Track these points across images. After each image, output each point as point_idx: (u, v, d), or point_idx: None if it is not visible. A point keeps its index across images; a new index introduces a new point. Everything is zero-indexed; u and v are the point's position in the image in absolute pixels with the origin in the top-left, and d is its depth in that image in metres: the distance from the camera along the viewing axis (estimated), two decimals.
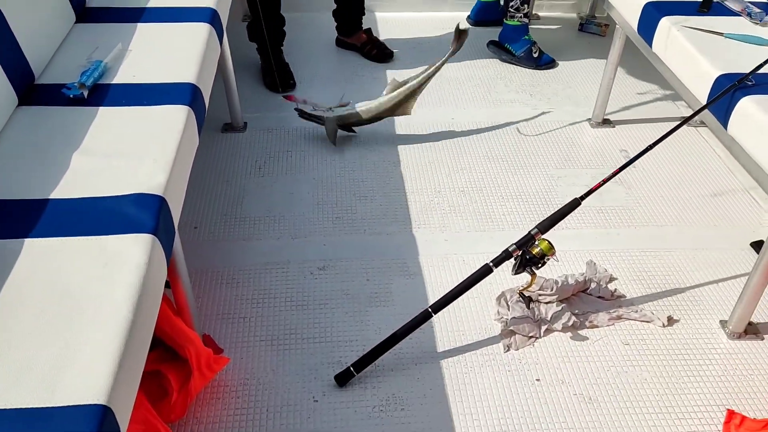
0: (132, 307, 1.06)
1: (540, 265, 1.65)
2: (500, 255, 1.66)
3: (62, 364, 0.95)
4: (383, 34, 3.24)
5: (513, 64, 3.03)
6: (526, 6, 2.90)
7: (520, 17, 2.93)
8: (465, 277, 1.67)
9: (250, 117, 2.64)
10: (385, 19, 3.40)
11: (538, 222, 1.68)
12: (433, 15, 3.42)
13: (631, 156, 1.70)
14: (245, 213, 2.19)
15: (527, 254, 1.64)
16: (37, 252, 1.15)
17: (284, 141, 2.53)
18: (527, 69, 3.01)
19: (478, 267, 1.97)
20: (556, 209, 1.70)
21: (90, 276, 1.11)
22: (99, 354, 0.96)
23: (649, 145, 1.65)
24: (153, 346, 1.47)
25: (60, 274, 1.11)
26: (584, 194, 1.67)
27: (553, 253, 1.64)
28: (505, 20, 2.99)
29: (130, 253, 1.15)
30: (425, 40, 3.24)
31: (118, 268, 1.12)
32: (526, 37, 2.98)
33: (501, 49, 3.05)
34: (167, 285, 1.49)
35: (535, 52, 2.99)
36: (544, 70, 3.01)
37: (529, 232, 1.66)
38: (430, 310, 1.67)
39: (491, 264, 1.67)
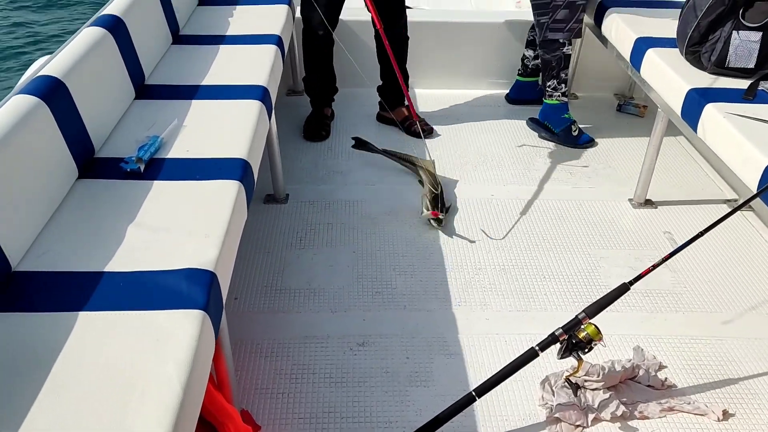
0: (182, 384, 1.05)
1: (587, 351, 1.61)
2: (546, 339, 1.62)
3: None
4: (421, 110, 3.31)
5: (552, 141, 3.06)
6: (563, 86, 2.95)
7: (558, 96, 2.98)
8: (507, 359, 1.63)
9: (292, 189, 2.69)
10: (423, 95, 3.48)
11: (580, 303, 1.66)
12: (470, 92, 3.50)
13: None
14: (285, 285, 2.19)
15: (573, 338, 1.60)
16: (90, 326, 1.17)
17: (325, 213, 2.56)
18: (566, 147, 3.03)
19: (519, 348, 1.93)
20: (600, 291, 1.67)
21: (141, 352, 1.11)
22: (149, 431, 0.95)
23: (700, 232, 1.62)
24: None
25: (112, 349, 1.12)
26: (633, 279, 1.64)
27: (601, 338, 1.60)
28: (544, 99, 3.04)
29: (182, 329, 1.15)
30: (463, 115, 3.29)
31: (170, 345, 1.12)
32: (566, 115, 3.01)
33: (540, 126, 3.09)
34: None
35: (574, 131, 3.01)
36: (583, 149, 3.03)
37: (576, 317, 1.62)
38: (474, 393, 1.63)
39: (537, 348, 1.63)
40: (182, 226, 1.44)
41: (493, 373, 1.66)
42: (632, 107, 3.35)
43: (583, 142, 3.04)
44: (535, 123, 3.12)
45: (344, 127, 3.19)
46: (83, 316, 1.18)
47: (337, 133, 3.13)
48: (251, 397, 1.78)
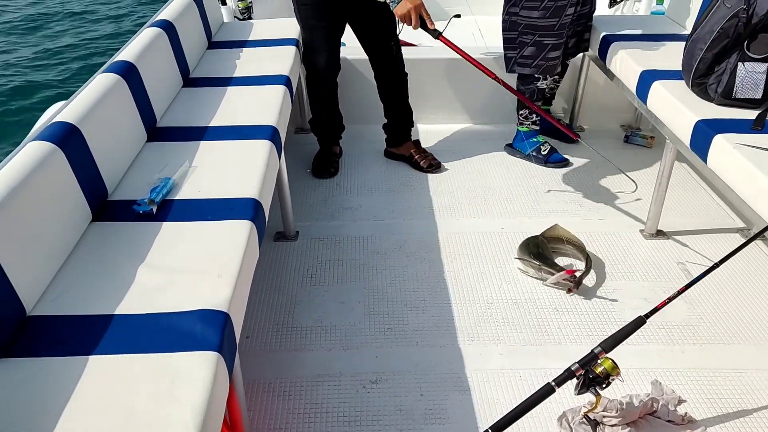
0: (198, 427, 1.04)
1: (605, 386, 1.59)
2: (563, 374, 1.60)
3: None
4: (427, 145, 3.33)
5: (526, 160, 3.20)
6: (534, 116, 3.11)
7: (529, 124, 3.14)
8: (523, 395, 1.61)
9: (302, 226, 2.70)
10: (429, 131, 3.50)
11: (594, 336, 1.65)
12: (477, 127, 3.52)
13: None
14: (297, 323, 2.18)
15: (590, 373, 1.58)
16: (103, 370, 1.17)
17: (335, 250, 2.56)
18: (575, 181, 3.04)
19: (534, 383, 1.91)
20: (615, 324, 1.66)
21: (156, 395, 1.10)
22: None
23: (716, 263, 1.61)
24: None
25: (125, 392, 1.11)
26: (649, 312, 1.62)
27: (618, 373, 1.58)
28: (517, 126, 3.19)
29: (196, 371, 1.15)
30: (470, 150, 3.31)
31: (184, 387, 1.12)
32: (535, 139, 3.18)
33: (514, 150, 3.27)
34: None
35: (544, 151, 3.16)
36: (595, 181, 3.03)
37: (592, 351, 1.60)
38: (490, 431, 1.60)
39: (553, 383, 1.60)
40: (195, 268, 1.45)
41: (509, 410, 1.63)
42: (639, 138, 3.36)
43: (554, 161, 3.16)
44: (510, 147, 3.29)
45: (352, 163, 3.22)
46: (98, 360, 1.18)
47: (345, 170, 3.15)
48: None
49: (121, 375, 1.15)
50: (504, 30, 2.93)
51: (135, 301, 1.33)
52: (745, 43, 2.15)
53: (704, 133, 2.07)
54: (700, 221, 2.72)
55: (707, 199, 2.88)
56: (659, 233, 2.62)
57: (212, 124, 2.17)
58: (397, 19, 2.61)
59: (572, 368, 1.59)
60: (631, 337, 2.06)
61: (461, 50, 2.65)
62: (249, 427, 1.69)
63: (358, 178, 3.08)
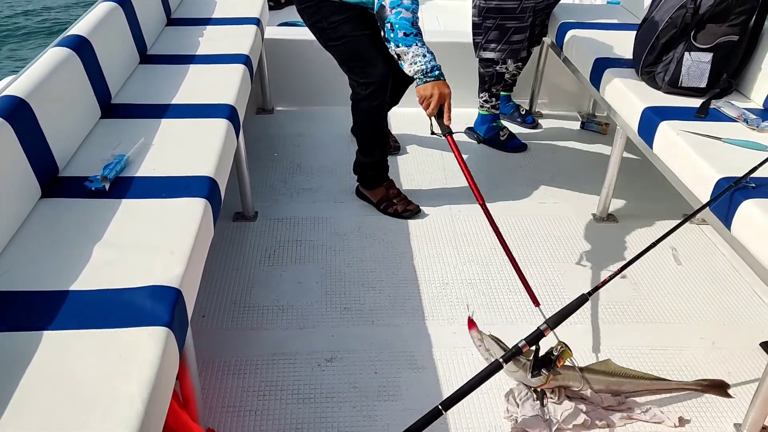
0: (144, 402, 1.06)
1: (555, 365, 1.63)
2: (510, 350, 1.66)
3: None
4: (395, 130, 3.34)
5: (486, 145, 3.26)
6: (494, 99, 3.16)
7: (489, 108, 3.19)
8: (474, 372, 1.65)
9: (261, 206, 2.70)
10: (398, 113, 3.50)
11: (545, 315, 1.68)
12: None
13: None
14: (254, 302, 2.20)
15: (546, 356, 1.62)
16: (52, 345, 1.16)
17: (294, 230, 2.57)
18: (533, 164, 3.10)
19: (486, 360, 1.96)
20: (564, 304, 1.70)
21: (104, 370, 1.11)
22: None
23: (654, 242, 1.68)
24: None
25: (74, 367, 1.12)
26: (592, 289, 1.68)
27: (570, 356, 1.63)
28: (478, 110, 3.24)
29: (145, 346, 1.16)
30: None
31: (133, 362, 1.12)
32: (495, 123, 3.23)
33: (474, 133, 3.32)
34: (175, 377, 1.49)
35: (502, 136, 3.22)
36: (551, 166, 3.10)
37: (538, 328, 1.66)
38: (440, 407, 1.64)
39: (501, 360, 1.66)
40: (147, 244, 1.45)
41: (459, 386, 1.68)
42: (595, 125, 3.45)
43: (512, 146, 3.22)
44: (469, 130, 3.34)
45: (313, 144, 3.22)
46: (45, 335, 1.18)
47: (306, 150, 3.15)
48: (218, 416, 1.77)
49: (68, 350, 1.15)
50: (473, 16, 2.96)
51: (84, 277, 1.32)
52: (692, 33, 2.23)
53: (650, 120, 2.14)
54: (649, 206, 2.81)
55: (657, 184, 2.97)
56: (610, 217, 2.70)
57: (169, 102, 2.15)
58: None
59: (519, 345, 1.65)
60: (580, 316, 2.14)
61: (461, 160, 2.22)
62: (202, 404, 1.71)
63: (319, 159, 3.09)
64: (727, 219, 1.73)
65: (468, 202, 2.80)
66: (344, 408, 1.80)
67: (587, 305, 2.25)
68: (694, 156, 1.89)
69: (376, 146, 2.64)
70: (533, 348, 1.64)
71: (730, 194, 1.70)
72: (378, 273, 2.35)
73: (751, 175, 1.73)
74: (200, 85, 2.31)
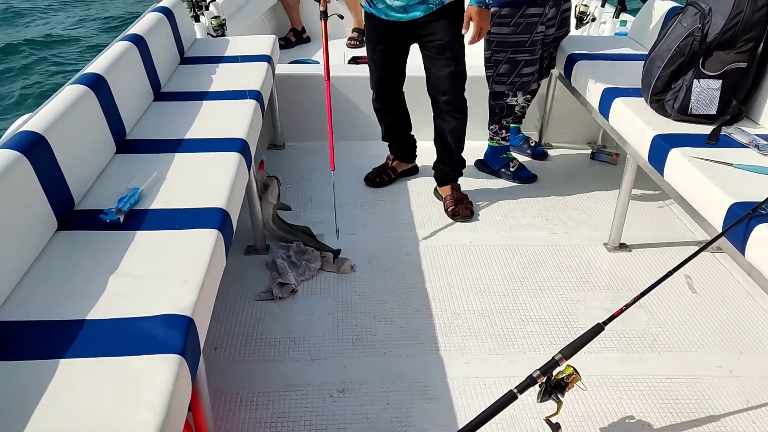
0: (158, 428, 1.05)
1: (565, 392, 1.62)
2: (524, 381, 1.63)
3: None
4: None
5: (495, 177, 3.27)
6: (504, 131, 3.18)
7: (499, 140, 3.21)
8: (487, 403, 1.63)
9: (273, 240, 2.72)
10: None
11: (558, 345, 1.67)
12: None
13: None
14: (265, 334, 2.19)
15: (552, 380, 1.62)
16: (66, 373, 1.17)
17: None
18: (544, 196, 3.11)
19: (499, 391, 1.93)
20: (577, 333, 1.69)
21: (117, 396, 1.12)
22: None
23: (670, 271, 1.67)
24: None
25: (88, 395, 1.12)
26: (607, 319, 1.67)
27: (578, 379, 1.62)
28: (488, 141, 3.26)
29: (159, 373, 1.16)
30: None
31: (146, 389, 1.13)
32: (505, 155, 3.24)
33: (484, 165, 3.33)
34: (188, 408, 1.49)
35: (513, 167, 3.23)
36: (561, 197, 3.10)
37: (553, 358, 1.64)
38: None
39: (516, 390, 1.63)
40: (160, 274, 1.46)
41: (473, 418, 1.66)
42: (605, 155, 3.46)
43: (522, 177, 3.22)
44: (480, 163, 3.35)
45: (325, 178, 3.25)
46: (60, 363, 1.19)
47: (317, 184, 3.18)
48: None
49: (82, 378, 1.16)
50: (484, 49, 2.99)
51: (98, 307, 1.34)
52: (700, 61, 2.25)
53: (661, 147, 2.15)
54: (662, 234, 2.80)
55: (669, 212, 2.96)
56: (622, 246, 2.69)
57: (182, 136, 2.20)
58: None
59: (533, 375, 1.63)
60: (593, 345, 2.10)
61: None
62: None
63: (330, 193, 3.10)
64: (741, 245, 1.72)
65: (481, 231, 2.81)
66: None
67: (602, 334, 2.23)
68: (706, 182, 1.89)
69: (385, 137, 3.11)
70: (545, 378, 1.62)
71: (745, 221, 1.69)
72: (389, 304, 2.35)
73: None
74: (212, 120, 2.35)
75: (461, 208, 2.90)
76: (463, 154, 2.99)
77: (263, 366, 2.05)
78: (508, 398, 1.63)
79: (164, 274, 1.46)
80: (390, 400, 1.92)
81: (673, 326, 2.24)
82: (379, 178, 3.17)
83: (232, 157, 2.07)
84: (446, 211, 2.93)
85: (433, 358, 2.09)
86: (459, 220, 2.88)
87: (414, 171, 3.28)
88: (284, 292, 2.37)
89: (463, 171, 3.01)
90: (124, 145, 2.12)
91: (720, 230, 1.81)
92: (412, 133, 3.16)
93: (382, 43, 2.75)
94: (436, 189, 3.09)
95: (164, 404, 1.10)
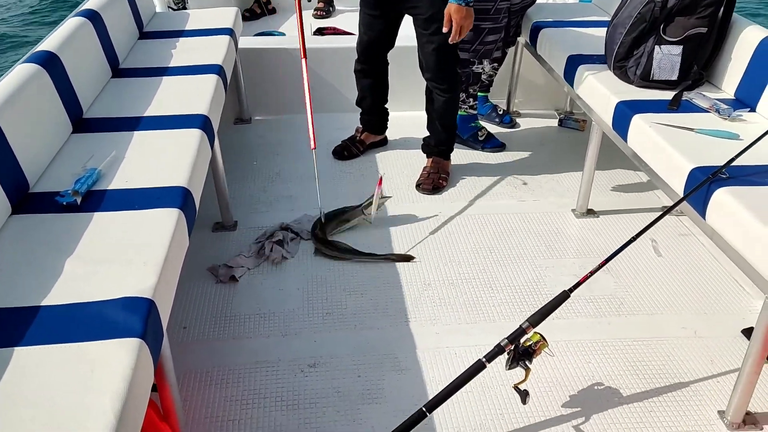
0: (117, 414, 1.04)
1: (533, 359, 1.64)
2: (493, 350, 1.65)
3: None
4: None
5: (464, 147, 3.23)
6: (471, 99, 3.16)
7: (467, 108, 3.19)
8: (458, 372, 1.65)
9: (241, 216, 2.69)
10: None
11: (528, 312, 1.68)
12: (415, 113, 3.52)
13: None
14: (235, 311, 2.18)
15: (520, 348, 1.64)
16: (21, 362, 1.15)
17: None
18: (510, 163, 3.12)
19: (469, 360, 1.95)
20: (547, 300, 1.70)
21: (75, 384, 1.10)
22: None
23: (634, 236, 1.69)
24: None
25: (45, 383, 1.10)
26: (573, 286, 1.69)
27: (545, 346, 1.64)
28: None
29: (117, 358, 1.15)
30: (411, 136, 3.33)
31: (105, 374, 1.11)
32: (473, 124, 3.23)
33: None
34: (154, 388, 1.47)
35: (481, 137, 3.22)
36: (530, 165, 3.11)
37: (520, 326, 1.65)
38: (424, 409, 1.63)
39: (484, 359, 1.65)
40: (120, 257, 1.43)
41: (443, 388, 1.67)
42: (572, 122, 3.47)
43: (491, 146, 3.22)
44: None
45: (293, 151, 3.21)
46: (15, 352, 1.16)
47: (285, 159, 3.15)
48: (201, 427, 1.75)
49: (38, 366, 1.13)
50: None
51: (54, 292, 1.31)
52: (661, 27, 2.25)
53: (624, 113, 2.15)
54: (629, 200, 2.83)
55: (635, 178, 2.99)
56: (590, 212, 2.71)
57: (141, 114, 2.14)
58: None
59: (502, 344, 1.64)
60: (561, 311, 2.12)
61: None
62: (184, 416, 1.69)
63: (298, 167, 3.08)
64: (702, 209, 1.74)
65: (450, 201, 2.81)
66: (328, 413, 1.79)
67: (569, 300, 2.26)
68: (667, 147, 1.91)
69: (359, 102, 3.08)
70: (513, 346, 1.64)
71: (706, 185, 1.71)
72: (359, 277, 2.35)
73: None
74: (173, 96, 2.30)
75: (426, 180, 2.88)
76: (411, 123, 3.00)
77: (233, 344, 2.04)
78: (477, 367, 1.66)
79: (123, 256, 1.43)
80: (361, 373, 1.93)
81: (640, 290, 2.28)
82: (347, 150, 3.14)
83: (194, 134, 2.02)
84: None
85: (403, 329, 2.10)
86: (419, 191, 2.87)
87: (383, 143, 3.26)
88: (225, 276, 2.33)
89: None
90: (81, 124, 2.06)
91: (682, 195, 1.84)
92: (386, 106, 3.12)
93: (372, 8, 2.74)
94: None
95: (124, 390, 1.08)
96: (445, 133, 2.91)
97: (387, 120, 3.19)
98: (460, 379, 1.66)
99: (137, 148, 1.93)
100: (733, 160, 1.73)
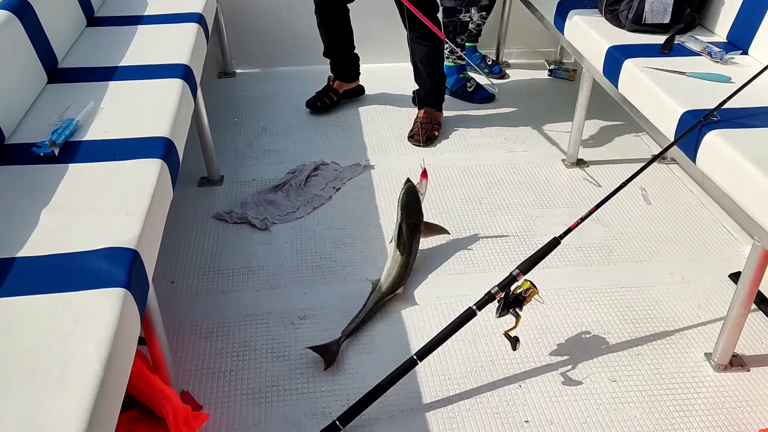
0: (103, 363, 1.02)
1: (523, 306, 1.64)
2: (483, 298, 1.65)
3: (30, 425, 0.91)
4: (368, 84, 3.27)
5: (453, 98, 3.19)
6: (459, 50, 3.09)
7: (454, 59, 3.13)
8: (448, 321, 1.65)
9: (227, 170, 2.65)
10: (370, 70, 3.41)
11: (517, 262, 1.67)
12: (403, 65, 3.46)
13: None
14: (223, 265, 2.16)
15: (510, 296, 1.63)
16: (3, 312, 1.12)
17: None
18: (501, 114, 3.07)
19: (459, 309, 1.95)
20: (536, 249, 1.69)
21: (58, 334, 1.07)
22: (68, 414, 0.93)
23: (623, 183, 1.67)
24: (128, 406, 1.43)
25: (27, 333, 1.08)
26: (563, 233, 1.68)
27: (536, 293, 1.64)
28: (445, 62, 3.10)
29: (102, 307, 1.12)
30: (399, 87, 3.27)
31: (89, 324, 1.09)
32: (461, 75, 3.17)
33: None
34: (143, 341, 1.46)
35: (470, 87, 3.16)
36: (519, 115, 3.08)
37: (511, 273, 1.65)
38: (415, 357, 1.64)
39: (474, 307, 1.65)
40: (101, 208, 1.39)
41: (433, 336, 1.68)
42: (562, 72, 3.42)
43: (480, 97, 3.17)
44: None
45: (280, 104, 3.15)
46: None
47: (270, 112, 3.09)
48: (192, 378, 1.75)
49: (19, 317, 1.10)
50: None
51: (34, 243, 1.27)
52: None
53: (615, 59, 2.11)
54: (619, 149, 2.81)
55: (625, 127, 2.97)
56: (580, 162, 2.69)
57: (119, 64, 2.07)
58: None
59: (492, 291, 1.64)
60: (551, 260, 2.11)
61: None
62: (174, 368, 1.68)
63: (284, 120, 3.03)
64: (693, 153, 1.72)
65: (439, 153, 2.78)
66: (319, 363, 1.79)
67: (559, 248, 2.25)
68: (658, 92, 1.88)
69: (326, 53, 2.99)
70: (504, 294, 1.63)
71: (696, 129, 1.69)
72: (348, 230, 2.33)
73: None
74: (152, 46, 2.22)
75: (420, 132, 2.83)
76: (398, 76, 2.91)
77: (222, 297, 2.03)
78: (468, 315, 1.66)
79: (105, 207, 1.39)
80: None
81: (629, 237, 2.28)
82: (320, 101, 3.07)
83: (175, 84, 1.96)
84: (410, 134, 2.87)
85: None
86: (412, 143, 2.82)
87: (359, 92, 3.17)
88: (240, 217, 2.36)
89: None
90: (56, 74, 1.99)
91: (672, 140, 1.81)
92: (355, 51, 3.03)
93: None
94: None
95: (109, 339, 1.06)
96: (432, 83, 2.86)
97: (358, 66, 3.11)
98: (450, 327, 1.66)
99: (116, 99, 1.86)
100: (724, 102, 1.71)
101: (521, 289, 1.63)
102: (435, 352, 1.68)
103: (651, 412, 1.66)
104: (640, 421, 1.63)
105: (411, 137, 2.84)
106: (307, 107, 3.07)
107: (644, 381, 1.74)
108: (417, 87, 2.93)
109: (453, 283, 2.09)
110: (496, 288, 1.64)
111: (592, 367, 1.78)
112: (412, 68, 2.89)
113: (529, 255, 1.68)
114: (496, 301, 1.65)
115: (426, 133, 2.83)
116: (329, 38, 2.95)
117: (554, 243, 1.69)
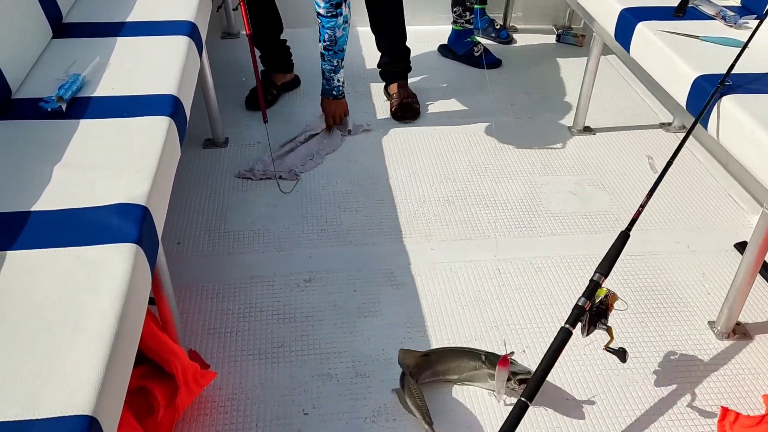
0: (117, 316, 1.03)
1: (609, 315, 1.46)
2: (573, 313, 1.42)
3: (46, 374, 0.92)
4: (365, 48, 3.24)
5: (459, 62, 3.17)
6: (468, 14, 3.05)
7: (463, 22, 3.08)
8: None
9: (232, 132, 2.62)
10: (364, 33, 3.39)
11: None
12: (409, 28, 3.42)
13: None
14: (229, 227, 2.16)
15: (594, 307, 1.43)
16: (15, 265, 1.12)
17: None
18: (507, 81, 3.04)
19: (465, 274, 1.97)
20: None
21: (73, 287, 1.07)
22: (83, 364, 0.93)
23: (669, 161, 1.61)
24: (138, 363, 1.44)
25: (40, 285, 1.08)
26: (629, 225, 1.55)
27: (617, 298, 1.47)
28: (452, 25, 3.14)
29: (114, 262, 1.12)
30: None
31: (102, 278, 1.09)
32: (468, 39, 3.12)
33: (448, 50, 3.22)
34: (152, 301, 1.46)
35: (477, 52, 3.12)
36: (526, 81, 3.04)
37: (592, 279, 1.45)
38: (524, 400, 1.34)
39: (568, 326, 1.41)
40: (110, 164, 1.38)
41: (535, 370, 1.39)
42: (570, 37, 3.37)
43: (488, 62, 3.13)
44: (444, 48, 3.24)
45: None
46: (8, 255, 1.13)
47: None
48: (199, 338, 1.76)
49: (33, 270, 1.10)
50: None
51: (46, 198, 1.26)
52: None
53: (628, 21, 2.08)
54: (626, 117, 2.79)
55: (633, 95, 2.94)
56: (586, 129, 2.67)
57: (124, 20, 2.03)
58: None
59: (579, 303, 1.43)
60: (557, 228, 2.13)
61: None
62: (181, 327, 1.69)
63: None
64: (704, 119, 1.71)
65: (447, 118, 2.75)
66: (325, 325, 1.80)
67: (565, 216, 2.26)
68: (671, 55, 1.85)
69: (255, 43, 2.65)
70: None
71: (709, 94, 1.67)
72: (354, 194, 2.32)
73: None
74: (157, 1, 2.18)
75: (406, 110, 2.71)
76: (424, 40, 2.81)
77: (228, 258, 2.03)
78: (564, 337, 1.40)
79: (114, 163, 1.38)
80: (357, 287, 1.93)
81: (635, 206, 2.25)
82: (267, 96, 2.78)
83: (181, 41, 1.93)
84: (391, 111, 2.75)
85: (398, 245, 2.09)
86: (400, 121, 2.71)
87: (296, 83, 2.96)
88: (259, 173, 2.39)
89: (411, 64, 2.81)
90: (61, 29, 1.95)
91: (684, 104, 1.80)
92: (283, 37, 2.81)
93: None
94: (385, 88, 2.88)
95: (123, 293, 1.06)
96: (401, 48, 2.76)
97: (290, 56, 2.89)
98: (550, 354, 1.39)
99: (122, 55, 1.84)
100: (732, 66, 1.68)
101: (599, 298, 1.44)
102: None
103: (653, 378, 1.67)
104: (641, 387, 1.65)
105: (397, 116, 2.72)
106: (246, 105, 2.81)
107: (648, 348, 1.75)
108: (383, 61, 2.81)
109: (458, 248, 2.09)
110: (583, 299, 1.42)
111: (595, 333, 1.79)
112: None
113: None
114: (586, 313, 1.42)
115: (413, 108, 2.73)
116: (255, 26, 2.59)
117: (625, 237, 1.54)
